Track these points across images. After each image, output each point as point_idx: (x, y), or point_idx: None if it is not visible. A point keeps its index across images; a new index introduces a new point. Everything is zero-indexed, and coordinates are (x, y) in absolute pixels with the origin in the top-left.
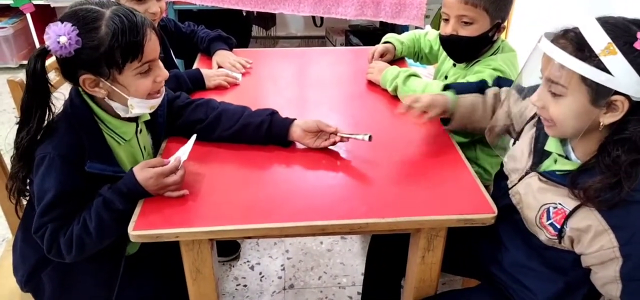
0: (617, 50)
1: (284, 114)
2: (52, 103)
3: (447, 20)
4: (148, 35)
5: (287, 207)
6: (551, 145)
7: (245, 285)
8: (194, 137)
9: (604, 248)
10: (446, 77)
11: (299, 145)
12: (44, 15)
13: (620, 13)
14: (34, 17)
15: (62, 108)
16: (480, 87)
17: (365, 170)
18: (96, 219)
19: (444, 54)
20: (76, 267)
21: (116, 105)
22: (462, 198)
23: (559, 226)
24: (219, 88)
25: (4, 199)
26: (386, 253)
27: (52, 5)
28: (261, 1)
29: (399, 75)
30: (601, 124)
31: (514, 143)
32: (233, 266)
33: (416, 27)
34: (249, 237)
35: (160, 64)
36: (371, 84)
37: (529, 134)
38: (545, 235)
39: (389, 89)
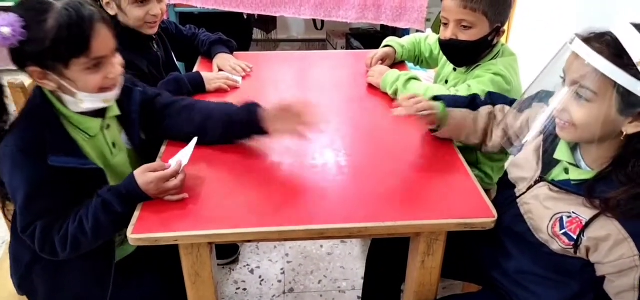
0: None
1: None
2: (6, 100)
3: (446, 24)
4: (97, 30)
5: (286, 211)
6: (561, 153)
7: (244, 289)
8: (194, 140)
9: (625, 257)
10: (446, 82)
11: (298, 147)
12: None
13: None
14: None
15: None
16: (472, 101)
17: (365, 173)
18: (93, 220)
19: (445, 58)
20: (66, 265)
21: (68, 99)
22: (462, 202)
23: (574, 236)
24: (220, 91)
25: None
26: (386, 257)
27: None
28: (262, 4)
29: (399, 78)
30: (624, 133)
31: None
32: (232, 270)
33: (417, 31)
34: (249, 241)
35: (116, 60)
36: (371, 87)
37: (535, 142)
38: (558, 245)
39: (389, 92)
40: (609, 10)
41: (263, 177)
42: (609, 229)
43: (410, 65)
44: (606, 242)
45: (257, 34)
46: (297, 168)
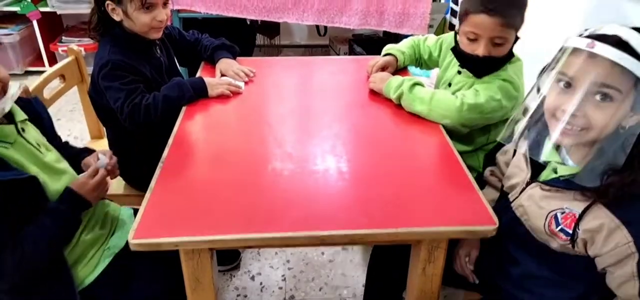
0: None
1: (286, 122)
2: None
3: (475, 40)
4: None
5: (287, 217)
6: (548, 154)
7: (245, 296)
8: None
9: (620, 245)
10: (450, 84)
11: (299, 152)
12: (50, 23)
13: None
14: (40, 24)
15: None
16: None
17: (366, 179)
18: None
19: (447, 60)
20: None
21: None
22: (463, 209)
23: (570, 230)
24: (222, 96)
25: None
26: (387, 264)
27: (58, 12)
28: (265, 10)
29: (403, 83)
30: (627, 127)
31: (513, 156)
32: (233, 276)
33: None
34: (250, 247)
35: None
36: (373, 93)
37: (522, 148)
38: (557, 242)
39: (393, 97)
40: (614, 16)
41: (265, 182)
42: (601, 218)
43: (411, 68)
44: (600, 233)
45: (260, 39)
46: (299, 173)
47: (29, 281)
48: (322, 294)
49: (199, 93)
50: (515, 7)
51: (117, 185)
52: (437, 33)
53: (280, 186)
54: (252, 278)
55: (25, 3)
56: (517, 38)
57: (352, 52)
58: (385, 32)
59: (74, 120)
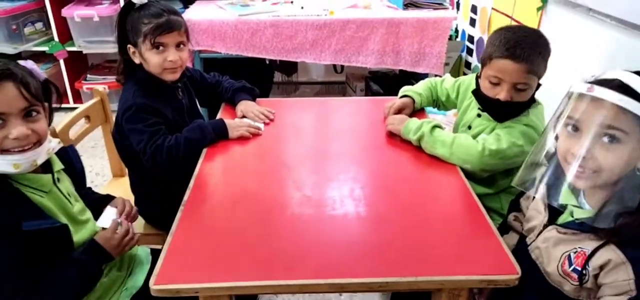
0: None
1: (305, 165)
2: None
3: (497, 84)
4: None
5: (307, 263)
6: (565, 198)
7: None
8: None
9: (619, 280)
10: (470, 127)
11: (317, 195)
12: (76, 61)
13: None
14: (66, 63)
15: None
16: None
17: (385, 224)
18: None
19: (467, 102)
20: None
21: None
22: (484, 257)
23: (580, 268)
24: (242, 138)
25: None
26: None
27: (84, 52)
28: (284, 50)
29: (423, 125)
30: (636, 169)
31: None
32: None
33: (436, 76)
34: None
35: (20, 121)
36: (391, 135)
37: (541, 192)
38: (570, 285)
39: (413, 139)
40: (622, 58)
41: (284, 227)
42: (609, 255)
43: (428, 109)
44: (607, 267)
45: (277, 76)
46: (318, 218)
47: None
48: None
49: (219, 135)
50: (540, 54)
51: (137, 224)
52: (453, 71)
53: (299, 231)
54: None
55: (54, 43)
56: (539, 85)
57: (368, 89)
58: (401, 70)
59: (95, 157)
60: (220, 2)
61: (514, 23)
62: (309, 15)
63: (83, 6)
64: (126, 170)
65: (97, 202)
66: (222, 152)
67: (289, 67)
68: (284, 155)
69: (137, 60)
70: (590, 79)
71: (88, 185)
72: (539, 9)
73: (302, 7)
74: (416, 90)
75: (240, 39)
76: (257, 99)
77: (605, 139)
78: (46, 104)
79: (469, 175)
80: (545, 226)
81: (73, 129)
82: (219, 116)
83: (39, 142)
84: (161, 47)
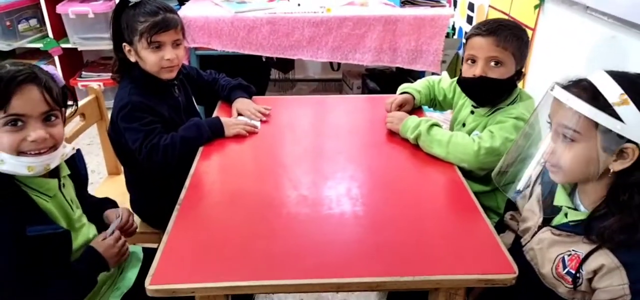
0: (630, 101)
1: (301, 164)
2: None
3: (474, 62)
4: (20, 89)
5: (303, 263)
6: (560, 199)
7: None
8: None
9: (614, 285)
10: (464, 125)
11: (314, 193)
12: (71, 58)
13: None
14: (61, 60)
15: None
16: None
17: (382, 224)
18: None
19: (461, 101)
20: None
21: None
22: (481, 256)
23: (573, 271)
24: (239, 136)
25: None
26: None
27: (79, 49)
28: (281, 48)
29: (420, 124)
30: (611, 170)
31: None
32: None
33: (433, 73)
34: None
35: (40, 124)
36: (389, 133)
37: (536, 193)
38: (563, 287)
39: (410, 138)
40: (620, 57)
41: (280, 226)
42: (603, 259)
43: (425, 108)
44: (600, 271)
45: (274, 74)
46: (314, 218)
47: None
48: None
49: (216, 133)
50: (513, 33)
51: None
52: (449, 69)
53: (295, 231)
54: None
55: (48, 40)
56: (520, 72)
57: (365, 86)
58: (398, 67)
59: (91, 154)
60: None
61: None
62: (305, 13)
63: (78, 3)
64: (122, 168)
65: (94, 206)
66: (218, 151)
67: (286, 65)
68: (280, 154)
69: (132, 59)
70: (566, 80)
71: None
72: (536, 6)
73: (298, 4)
74: (415, 88)
75: (237, 36)
76: (254, 97)
77: (564, 138)
78: (63, 110)
79: (466, 173)
80: (539, 227)
81: (68, 126)
82: (215, 114)
83: (54, 147)
84: (158, 46)
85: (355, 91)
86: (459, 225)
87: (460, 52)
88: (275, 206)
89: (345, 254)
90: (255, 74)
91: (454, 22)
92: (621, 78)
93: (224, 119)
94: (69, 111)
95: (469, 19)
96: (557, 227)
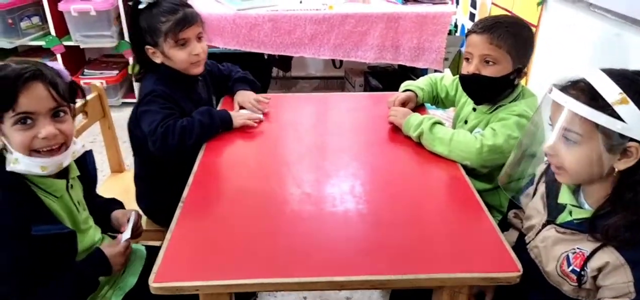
0: (629, 99)
1: (304, 161)
2: None
3: (469, 59)
4: (26, 87)
5: (307, 261)
6: (564, 197)
7: None
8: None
9: (619, 282)
10: (466, 122)
11: (317, 191)
12: (73, 56)
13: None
14: (63, 58)
15: None
16: None
17: (385, 221)
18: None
19: (464, 98)
20: None
21: (8, 158)
22: (485, 254)
23: (578, 269)
24: (245, 126)
25: None
26: None
27: (81, 46)
28: (282, 45)
29: (423, 122)
30: (616, 170)
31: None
32: None
33: (435, 70)
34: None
35: (49, 121)
36: (391, 131)
37: (540, 191)
38: (568, 285)
39: (413, 135)
40: (623, 54)
41: (284, 224)
42: (608, 257)
43: (427, 105)
44: (605, 269)
45: (275, 71)
46: (318, 215)
47: None
48: None
49: (224, 123)
50: (510, 32)
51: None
52: (452, 66)
53: (299, 229)
54: None
55: (51, 38)
56: (520, 70)
57: (367, 84)
58: (400, 65)
59: (94, 152)
60: None
61: None
62: (307, 10)
63: (80, 0)
64: (124, 166)
65: (101, 207)
66: (221, 148)
67: (287, 63)
68: (283, 151)
69: (158, 60)
70: (563, 81)
71: None
72: (539, 4)
73: (300, 2)
74: (418, 85)
75: (239, 34)
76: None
77: (565, 139)
78: (72, 105)
79: (469, 170)
80: (544, 225)
81: None
82: (219, 108)
83: (65, 144)
84: (184, 43)
85: (357, 89)
86: (462, 223)
87: (463, 49)
88: (278, 204)
89: (349, 252)
90: (257, 72)
91: (456, 19)
92: (619, 77)
93: (231, 112)
94: (78, 104)
95: (472, 16)
96: (561, 225)
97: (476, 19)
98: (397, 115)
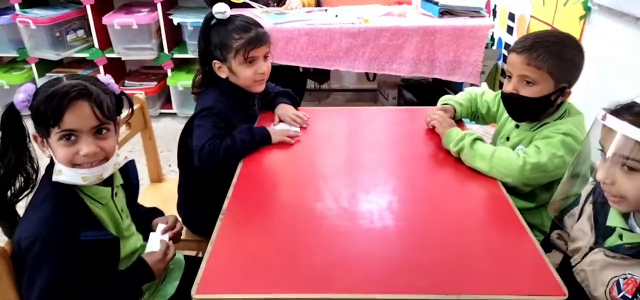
0: None
1: (341, 176)
2: (29, 149)
3: (510, 77)
4: (74, 105)
5: (345, 277)
6: (614, 220)
7: None
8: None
9: None
10: (508, 138)
11: (354, 207)
12: (115, 67)
13: None
14: (105, 69)
15: (41, 180)
16: None
17: (424, 239)
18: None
19: (506, 114)
20: None
21: (54, 169)
22: (528, 275)
23: (630, 296)
24: (283, 144)
25: None
26: None
27: (123, 58)
28: (318, 59)
29: (464, 137)
30: None
31: (578, 219)
32: None
33: (471, 84)
34: None
35: (91, 138)
36: (428, 146)
37: (587, 212)
38: None
39: (453, 150)
40: None
41: (321, 239)
42: None
43: (466, 121)
44: None
45: (309, 83)
46: (355, 231)
47: None
48: None
49: (263, 140)
50: (550, 52)
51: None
52: (488, 80)
53: (337, 244)
54: None
55: (94, 50)
56: (563, 89)
57: (401, 97)
58: (435, 78)
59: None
60: (255, 11)
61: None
62: (343, 24)
63: (123, 14)
64: (164, 177)
65: (143, 216)
66: (259, 161)
67: (322, 76)
68: (320, 165)
69: (223, 75)
70: (613, 105)
71: None
72: (581, 17)
73: (336, 15)
74: (457, 100)
75: (275, 47)
76: None
77: (626, 168)
78: (119, 117)
79: (509, 189)
80: (591, 248)
81: None
82: (256, 124)
83: (106, 159)
84: (252, 61)
85: (390, 101)
86: (503, 243)
87: (500, 63)
88: (316, 218)
89: (387, 270)
90: (293, 85)
91: (493, 33)
92: None
93: (268, 128)
94: (125, 113)
95: (509, 29)
96: (611, 248)
97: (514, 32)
98: (442, 122)
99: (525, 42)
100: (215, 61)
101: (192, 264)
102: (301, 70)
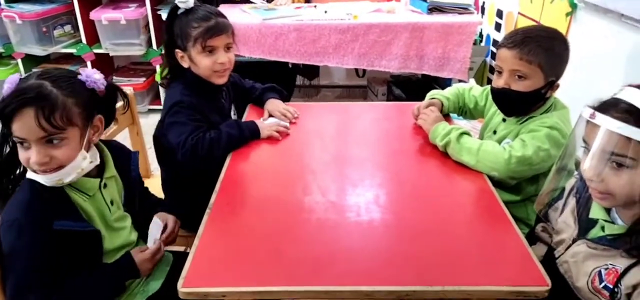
0: None
1: (329, 170)
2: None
3: (500, 72)
4: (18, 114)
5: (332, 269)
6: (596, 212)
7: None
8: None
9: None
10: (495, 132)
11: (342, 200)
12: (103, 63)
13: None
14: (93, 65)
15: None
16: None
17: (411, 232)
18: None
19: (493, 108)
20: None
21: None
22: (513, 267)
23: (611, 286)
24: (272, 138)
25: None
26: None
27: (110, 54)
28: (307, 54)
29: (451, 131)
30: None
31: (561, 213)
32: None
33: (459, 80)
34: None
35: (41, 147)
36: (416, 141)
37: (570, 205)
38: None
39: (440, 144)
40: None
41: (309, 232)
42: None
43: (453, 116)
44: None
45: (299, 80)
46: (343, 224)
47: None
48: None
49: (252, 134)
50: (541, 47)
51: None
52: (477, 76)
53: (324, 237)
54: None
55: (81, 45)
56: (552, 82)
57: (390, 93)
58: (424, 75)
59: None
60: (245, 6)
61: None
62: (332, 20)
63: (110, 9)
64: (152, 172)
65: (152, 207)
66: (247, 156)
67: (312, 72)
68: (308, 160)
69: (185, 65)
70: (596, 102)
71: None
72: (568, 14)
73: (325, 11)
74: (444, 95)
75: (264, 43)
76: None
77: (613, 164)
78: (96, 116)
79: (495, 182)
80: (574, 240)
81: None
82: (245, 118)
83: (60, 167)
84: (211, 50)
85: (380, 98)
86: (489, 236)
87: (488, 59)
88: (304, 212)
89: (375, 262)
90: (281, 81)
91: (481, 29)
92: None
93: (257, 122)
94: (119, 104)
95: (497, 26)
96: (593, 240)
97: (502, 28)
98: (427, 119)
99: (515, 37)
100: (177, 50)
101: (180, 260)
102: (290, 65)
